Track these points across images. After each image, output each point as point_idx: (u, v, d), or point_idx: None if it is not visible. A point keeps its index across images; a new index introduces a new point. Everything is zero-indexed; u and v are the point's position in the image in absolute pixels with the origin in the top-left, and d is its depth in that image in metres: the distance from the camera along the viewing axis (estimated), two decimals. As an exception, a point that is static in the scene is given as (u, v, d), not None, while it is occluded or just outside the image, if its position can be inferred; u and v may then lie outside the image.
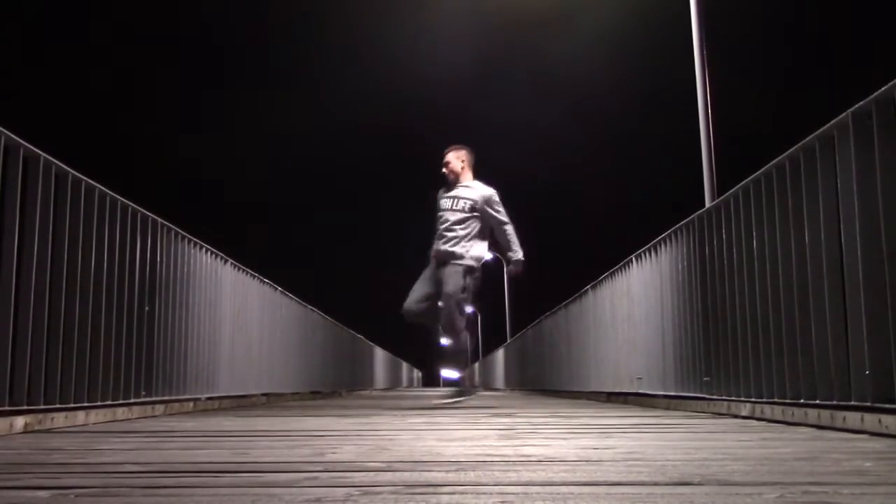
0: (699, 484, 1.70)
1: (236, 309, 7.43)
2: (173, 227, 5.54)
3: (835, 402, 3.45)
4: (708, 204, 7.02)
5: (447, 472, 1.93)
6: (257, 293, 8.33)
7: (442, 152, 6.82)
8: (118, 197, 4.57)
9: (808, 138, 3.73)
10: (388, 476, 1.86)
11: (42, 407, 3.73)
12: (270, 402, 8.37)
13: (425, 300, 6.57)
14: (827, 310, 3.57)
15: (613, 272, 7.97)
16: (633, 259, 7.16)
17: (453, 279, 6.43)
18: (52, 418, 3.75)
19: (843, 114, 3.39)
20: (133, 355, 4.79)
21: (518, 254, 6.68)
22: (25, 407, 3.60)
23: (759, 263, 4.27)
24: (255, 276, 8.15)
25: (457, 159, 6.73)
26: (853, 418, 3.25)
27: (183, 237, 5.82)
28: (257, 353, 8.30)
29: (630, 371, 7.24)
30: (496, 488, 1.65)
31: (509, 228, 6.62)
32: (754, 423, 3.99)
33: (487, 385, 25.91)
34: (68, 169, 4.03)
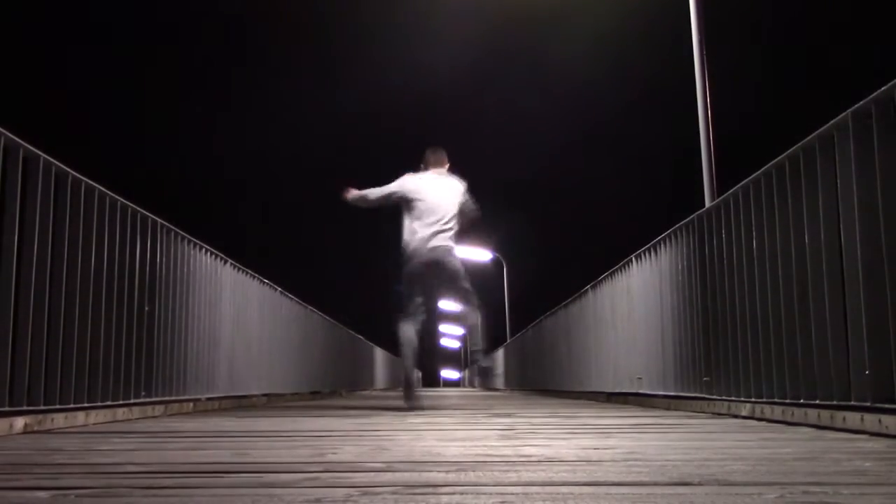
0: (699, 484, 1.70)
1: (236, 309, 7.43)
2: (173, 227, 5.54)
3: (835, 402, 3.44)
4: (708, 204, 7.02)
5: (447, 472, 1.93)
6: (257, 293, 8.33)
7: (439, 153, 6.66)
8: (118, 197, 4.57)
9: (808, 138, 3.73)
10: (388, 476, 1.86)
11: (42, 407, 3.73)
12: (270, 402, 8.36)
13: None
14: (827, 310, 3.57)
15: (613, 272, 7.97)
16: (633, 259, 7.16)
17: None
18: (52, 418, 3.75)
19: (843, 114, 3.39)
20: (133, 355, 4.79)
21: None
22: (25, 407, 3.60)
23: (759, 263, 4.27)
24: (254, 277, 8.15)
25: None
26: (853, 418, 3.25)
27: (183, 237, 5.82)
28: (257, 353, 8.29)
29: (630, 371, 7.24)
30: (496, 489, 1.65)
31: None
32: (754, 423, 3.99)
33: (487, 385, 25.90)
34: (68, 169, 4.03)
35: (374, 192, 6.49)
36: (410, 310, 6.27)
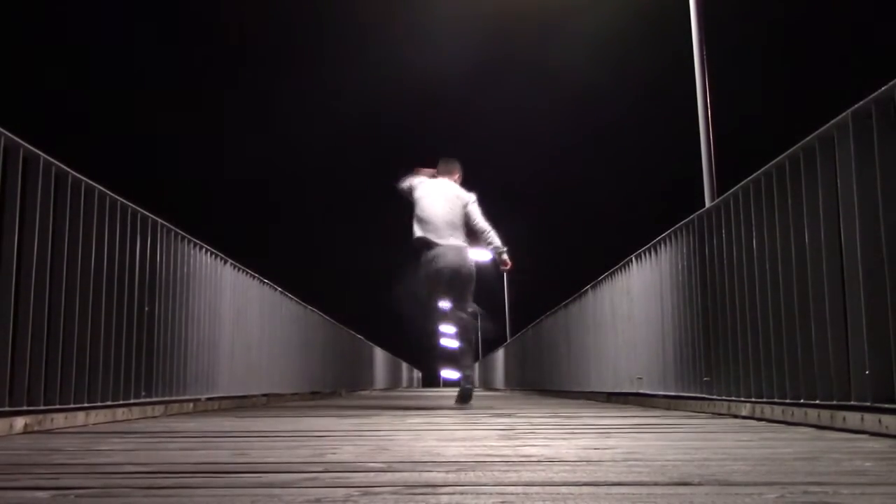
0: (699, 484, 1.70)
1: (236, 309, 7.43)
2: (173, 227, 5.54)
3: (835, 402, 3.45)
4: (708, 204, 7.02)
5: (447, 472, 1.93)
6: (257, 293, 8.33)
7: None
8: (118, 197, 4.57)
9: (808, 138, 3.73)
10: (387, 476, 1.86)
11: (42, 407, 3.73)
12: (270, 402, 8.36)
13: None
14: (827, 310, 3.57)
15: (613, 272, 7.97)
16: (633, 259, 7.16)
17: None
18: (52, 419, 3.75)
19: (843, 114, 3.39)
20: (133, 355, 4.79)
21: None
22: (25, 407, 3.59)
23: (759, 263, 4.27)
24: (255, 277, 8.15)
25: None
26: (853, 418, 3.25)
27: (183, 237, 5.82)
28: (257, 353, 8.29)
29: (630, 371, 7.24)
30: (496, 489, 1.65)
31: None
32: (754, 423, 3.99)
33: (487, 385, 25.92)
34: (68, 169, 4.03)
35: (403, 182, 6.91)
36: (429, 311, 6.44)
